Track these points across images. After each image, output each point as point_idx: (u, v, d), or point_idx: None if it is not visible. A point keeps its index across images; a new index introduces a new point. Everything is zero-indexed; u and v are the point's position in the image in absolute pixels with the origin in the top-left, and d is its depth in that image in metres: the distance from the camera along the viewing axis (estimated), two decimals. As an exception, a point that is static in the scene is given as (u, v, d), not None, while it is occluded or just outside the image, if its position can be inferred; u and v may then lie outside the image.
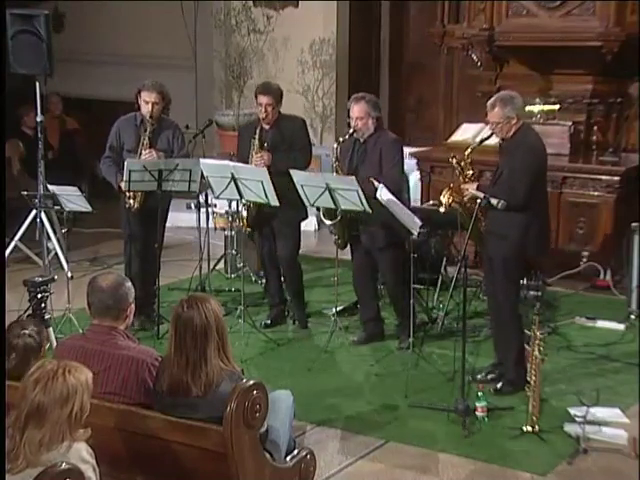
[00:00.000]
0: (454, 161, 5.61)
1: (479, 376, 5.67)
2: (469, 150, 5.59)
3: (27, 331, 3.72)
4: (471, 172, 5.57)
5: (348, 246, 6.27)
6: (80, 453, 3.00)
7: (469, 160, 5.58)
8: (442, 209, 5.58)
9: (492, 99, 5.51)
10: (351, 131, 6.07)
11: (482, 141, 5.66)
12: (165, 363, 3.70)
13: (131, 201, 6.44)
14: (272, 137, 6.38)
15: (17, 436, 2.95)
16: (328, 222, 6.13)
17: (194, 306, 3.63)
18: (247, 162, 6.34)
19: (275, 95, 6.35)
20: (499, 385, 5.56)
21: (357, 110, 6.03)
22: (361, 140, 6.12)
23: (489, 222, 5.50)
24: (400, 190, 6.18)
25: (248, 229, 6.61)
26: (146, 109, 6.40)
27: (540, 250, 5.62)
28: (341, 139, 6.15)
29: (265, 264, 6.82)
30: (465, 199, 5.51)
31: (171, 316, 3.73)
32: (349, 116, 6.12)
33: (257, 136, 6.33)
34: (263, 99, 6.32)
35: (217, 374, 3.59)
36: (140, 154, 6.39)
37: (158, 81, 6.55)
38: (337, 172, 6.10)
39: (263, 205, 6.20)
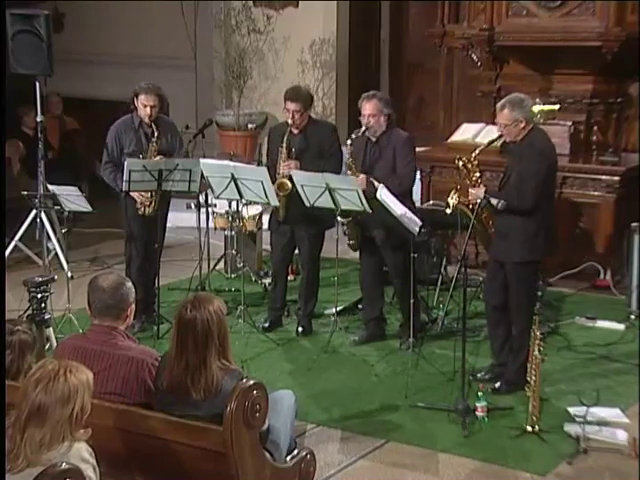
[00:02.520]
0: (460, 163, 5.52)
1: (479, 375, 5.67)
2: (477, 152, 5.50)
3: (20, 327, 3.72)
4: (478, 174, 5.50)
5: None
6: (80, 453, 3.00)
7: (476, 162, 5.51)
8: (448, 210, 5.54)
9: (502, 101, 5.48)
10: (363, 129, 6.03)
11: (490, 143, 5.62)
12: (166, 360, 3.70)
13: (145, 209, 6.39)
14: (300, 143, 6.32)
15: (18, 436, 2.95)
16: (342, 220, 6.09)
17: (197, 309, 3.61)
18: (276, 166, 6.30)
19: (304, 101, 6.27)
20: (498, 384, 5.56)
21: (369, 107, 5.99)
22: (373, 139, 6.09)
23: (498, 226, 5.47)
24: (411, 188, 6.19)
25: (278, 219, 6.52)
26: (145, 112, 6.38)
27: (548, 251, 5.61)
28: (353, 136, 6.08)
29: (277, 267, 6.77)
30: (471, 201, 5.47)
31: (174, 315, 3.72)
32: (360, 114, 6.06)
33: (285, 144, 6.26)
34: (291, 105, 6.24)
35: (217, 379, 3.58)
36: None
37: (154, 83, 6.52)
38: (351, 169, 6.06)
39: (292, 206, 6.20)
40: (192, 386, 3.58)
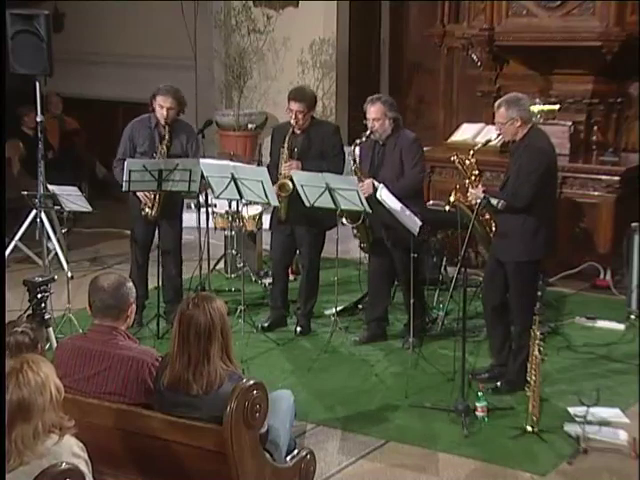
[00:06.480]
0: (456, 160, 5.51)
1: (479, 376, 5.67)
2: (474, 149, 5.51)
3: (19, 328, 3.71)
4: (477, 172, 5.49)
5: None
6: (72, 448, 3.01)
7: (473, 160, 5.51)
8: (447, 207, 5.53)
9: (499, 100, 5.49)
10: (368, 133, 6.03)
11: (488, 142, 5.63)
12: (167, 360, 3.69)
13: (147, 210, 6.40)
14: (302, 143, 6.30)
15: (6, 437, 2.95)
16: (350, 224, 6.13)
17: (200, 305, 3.61)
18: (278, 166, 6.29)
19: (307, 102, 6.25)
20: (498, 384, 5.56)
21: (373, 111, 6.00)
22: (380, 142, 6.09)
23: (499, 226, 5.46)
24: (421, 189, 6.19)
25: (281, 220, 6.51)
26: (161, 113, 6.36)
27: (548, 250, 5.61)
28: (358, 141, 6.08)
29: (277, 266, 6.77)
30: (471, 201, 5.46)
31: (177, 311, 3.71)
32: (365, 117, 6.07)
33: (286, 145, 6.25)
34: (294, 105, 6.22)
35: (219, 375, 3.57)
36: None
37: (174, 86, 6.50)
38: (356, 174, 6.05)
39: (293, 206, 6.19)
40: (194, 380, 3.56)
